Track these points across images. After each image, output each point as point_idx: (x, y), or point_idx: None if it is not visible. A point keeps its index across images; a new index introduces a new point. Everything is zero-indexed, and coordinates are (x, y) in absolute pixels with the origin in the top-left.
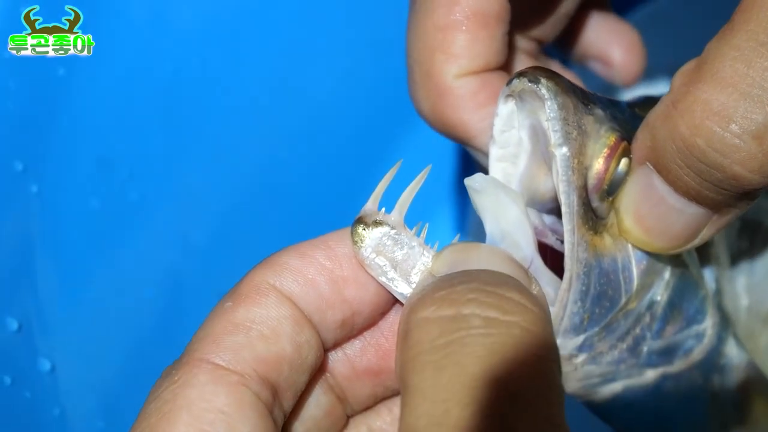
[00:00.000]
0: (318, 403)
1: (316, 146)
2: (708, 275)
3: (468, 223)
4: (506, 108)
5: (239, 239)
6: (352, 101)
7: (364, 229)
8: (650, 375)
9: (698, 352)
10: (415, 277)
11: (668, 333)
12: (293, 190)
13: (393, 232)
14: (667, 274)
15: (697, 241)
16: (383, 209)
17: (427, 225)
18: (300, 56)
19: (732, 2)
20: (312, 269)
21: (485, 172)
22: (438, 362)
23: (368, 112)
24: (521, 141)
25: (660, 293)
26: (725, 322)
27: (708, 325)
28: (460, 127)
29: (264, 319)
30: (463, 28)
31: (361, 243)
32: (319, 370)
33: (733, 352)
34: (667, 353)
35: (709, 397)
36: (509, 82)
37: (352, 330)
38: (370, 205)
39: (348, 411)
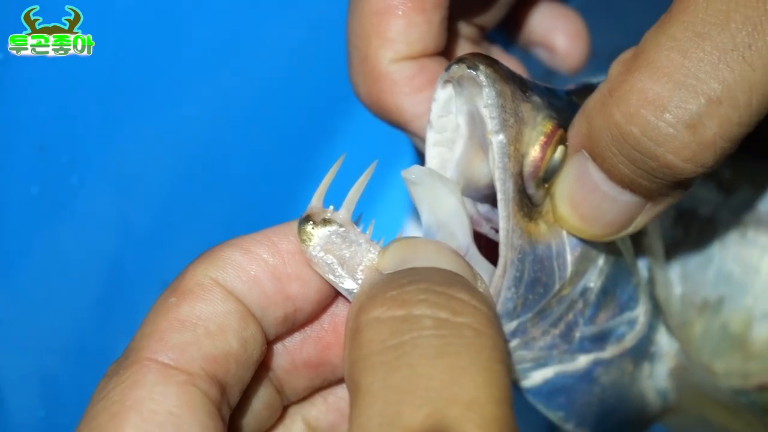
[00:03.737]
0: (257, 396)
1: (258, 130)
2: (641, 264)
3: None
4: (444, 93)
5: (180, 224)
6: (294, 86)
7: (313, 228)
8: (582, 361)
9: (630, 339)
10: (362, 274)
11: (601, 319)
12: (234, 174)
13: (341, 230)
14: (600, 261)
15: (631, 229)
16: (331, 207)
17: (373, 221)
18: (242, 41)
19: None
20: (255, 266)
21: (423, 157)
22: (390, 363)
23: (310, 97)
24: (458, 127)
25: (593, 280)
26: (657, 311)
27: (640, 312)
28: (395, 111)
29: (210, 315)
30: (399, 12)
31: (309, 241)
32: (261, 364)
33: (663, 340)
34: (600, 339)
35: (639, 383)
36: (448, 68)
37: (294, 324)
38: (316, 202)
39: (284, 401)
